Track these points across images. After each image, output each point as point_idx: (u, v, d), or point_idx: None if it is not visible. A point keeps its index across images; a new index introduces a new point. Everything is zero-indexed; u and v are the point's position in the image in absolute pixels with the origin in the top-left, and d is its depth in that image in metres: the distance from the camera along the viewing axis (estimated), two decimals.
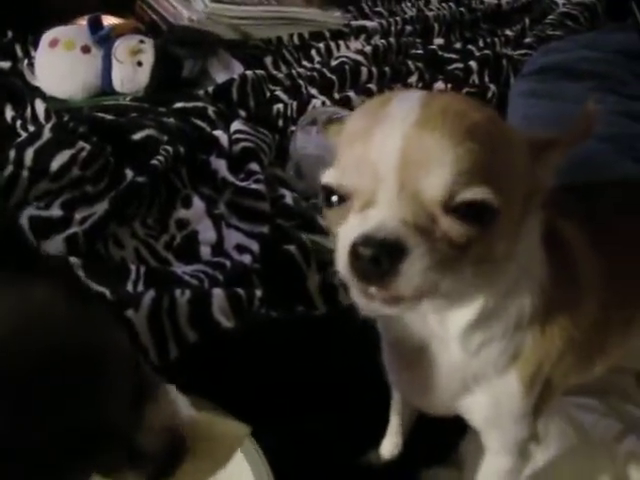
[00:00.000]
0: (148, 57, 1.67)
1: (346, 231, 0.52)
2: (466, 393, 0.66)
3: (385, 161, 0.50)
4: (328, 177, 0.55)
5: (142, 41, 1.69)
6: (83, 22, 1.72)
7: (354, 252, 0.50)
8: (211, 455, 0.63)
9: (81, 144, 1.36)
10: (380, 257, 0.49)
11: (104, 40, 1.65)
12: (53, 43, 1.65)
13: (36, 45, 1.72)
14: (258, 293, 1.07)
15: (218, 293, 1.03)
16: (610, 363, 0.81)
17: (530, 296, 0.61)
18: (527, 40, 2.01)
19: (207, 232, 1.28)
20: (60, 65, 1.64)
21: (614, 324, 0.73)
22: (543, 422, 0.72)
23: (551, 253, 0.63)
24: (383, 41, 1.92)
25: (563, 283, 0.63)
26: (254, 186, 1.29)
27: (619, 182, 0.93)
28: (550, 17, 2.15)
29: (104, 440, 0.62)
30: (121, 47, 1.66)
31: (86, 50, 1.65)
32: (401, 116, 0.51)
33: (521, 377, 0.64)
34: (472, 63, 1.82)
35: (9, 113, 1.53)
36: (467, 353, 0.63)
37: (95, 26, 1.65)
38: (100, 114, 1.52)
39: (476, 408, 0.67)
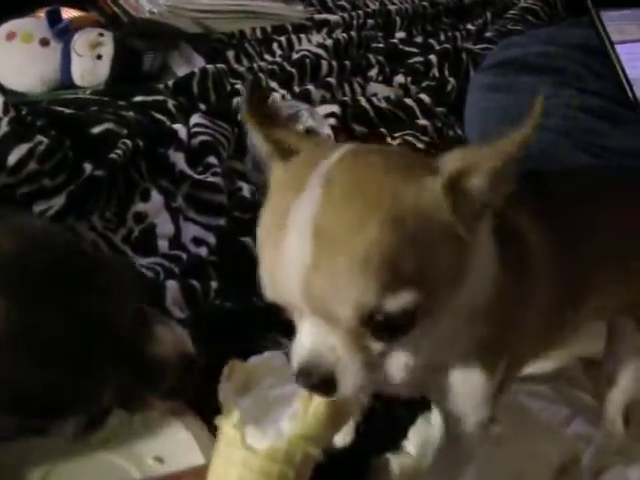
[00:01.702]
0: (108, 50, 1.66)
1: (295, 344, 0.55)
2: (433, 375, 0.67)
3: (293, 296, 0.51)
4: (262, 285, 0.55)
5: (102, 34, 1.68)
6: (41, 14, 1.71)
7: (296, 374, 0.54)
8: None
9: (39, 138, 1.34)
10: (318, 387, 0.54)
11: (63, 33, 1.64)
12: (10, 36, 1.63)
13: None
14: (214, 285, 1.08)
15: (172, 285, 1.04)
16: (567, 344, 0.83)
17: (483, 292, 0.61)
18: (488, 34, 2.03)
19: (165, 225, 1.28)
20: (18, 58, 1.63)
21: (569, 308, 0.74)
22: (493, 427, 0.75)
23: (503, 244, 0.62)
24: (344, 35, 1.93)
25: (515, 272, 0.64)
26: (211, 179, 1.30)
27: (575, 170, 0.94)
28: (511, 12, 2.17)
29: (114, 344, 0.66)
30: (80, 40, 1.65)
31: (44, 43, 1.64)
32: (295, 252, 0.50)
33: (483, 364, 0.66)
34: (432, 57, 1.83)
35: None
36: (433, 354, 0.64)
37: (54, 19, 1.64)
38: (59, 108, 1.51)
39: (442, 387, 0.68)
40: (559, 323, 0.75)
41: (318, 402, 0.56)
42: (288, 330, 0.57)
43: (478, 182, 0.53)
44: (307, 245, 0.50)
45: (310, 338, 0.54)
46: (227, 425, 0.60)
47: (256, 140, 0.60)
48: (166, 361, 0.71)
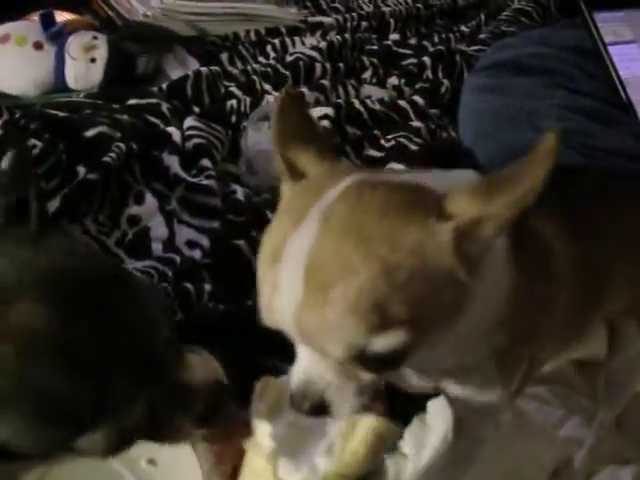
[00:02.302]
0: (102, 53, 1.66)
1: (294, 367, 0.57)
2: (451, 376, 0.68)
3: (288, 328, 0.52)
4: (261, 312, 0.55)
5: (95, 37, 1.68)
6: (35, 18, 1.71)
7: (292, 402, 0.56)
8: None
9: (33, 141, 1.35)
10: (313, 411, 0.55)
11: (57, 36, 1.64)
12: (4, 39, 1.63)
13: None
14: (207, 288, 1.08)
15: (165, 288, 1.04)
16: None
17: (498, 305, 0.60)
18: (482, 36, 2.04)
19: (159, 228, 1.28)
20: (12, 61, 1.63)
21: (585, 310, 0.74)
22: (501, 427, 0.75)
23: (522, 249, 0.60)
24: (338, 37, 1.93)
25: (536, 280, 0.62)
26: (205, 182, 1.30)
27: (586, 170, 0.94)
28: (505, 13, 2.17)
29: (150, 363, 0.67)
30: (74, 43, 1.65)
31: (38, 46, 1.64)
32: (288, 290, 0.50)
33: (501, 373, 0.65)
34: (426, 59, 1.83)
35: None
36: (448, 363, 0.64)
37: (47, 22, 1.64)
38: (53, 111, 1.51)
39: (459, 390, 0.69)
40: (578, 325, 0.75)
41: (358, 441, 0.54)
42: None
43: (489, 230, 0.52)
44: (299, 283, 0.50)
45: (303, 365, 0.55)
46: (258, 455, 0.58)
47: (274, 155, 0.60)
48: (197, 387, 0.71)
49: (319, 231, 0.50)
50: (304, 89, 1.66)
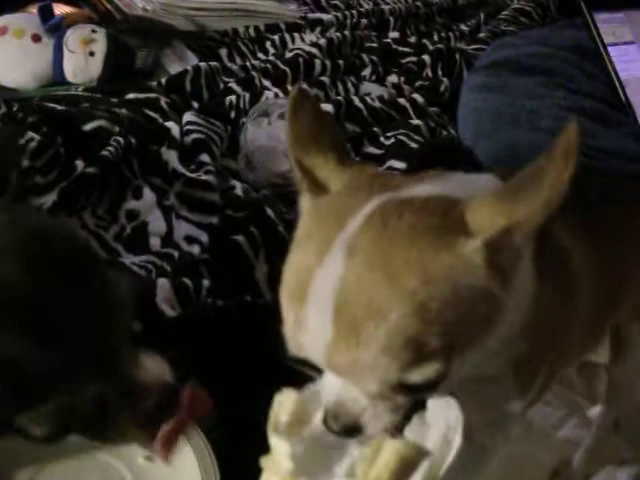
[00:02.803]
0: (100, 47, 1.65)
1: (323, 382, 0.56)
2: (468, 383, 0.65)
3: (314, 358, 0.52)
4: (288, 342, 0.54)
5: (94, 31, 1.67)
6: (33, 10, 1.70)
7: (324, 417, 0.55)
8: None
9: (30, 134, 1.34)
10: (346, 433, 0.54)
11: (55, 29, 1.63)
12: (2, 31, 1.62)
13: None
14: (206, 283, 1.07)
15: (163, 283, 1.04)
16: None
17: (521, 315, 0.58)
18: (481, 35, 2.04)
19: (157, 223, 1.28)
20: (9, 53, 1.62)
21: (603, 315, 0.73)
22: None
23: (542, 258, 0.58)
24: (338, 34, 1.93)
25: (556, 290, 0.61)
26: (204, 177, 1.30)
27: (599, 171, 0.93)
28: (504, 13, 2.17)
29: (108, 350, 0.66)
30: (73, 37, 1.64)
31: (36, 39, 1.63)
32: (316, 330, 0.49)
33: (519, 383, 0.64)
34: (425, 57, 1.83)
35: None
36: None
37: (46, 14, 1.63)
38: (51, 104, 1.50)
39: (474, 398, 0.66)
40: (595, 332, 0.74)
41: (382, 467, 0.52)
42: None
43: (518, 238, 0.50)
44: (327, 323, 0.49)
45: (335, 389, 0.54)
46: (275, 475, 0.55)
47: (291, 164, 0.58)
48: (147, 387, 0.70)
49: (345, 267, 0.48)
50: (304, 85, 1.66)
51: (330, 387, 0.55)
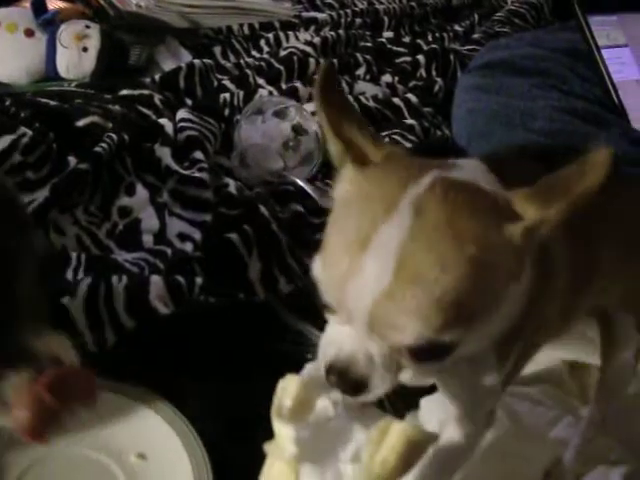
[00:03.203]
0: (94, 43, 1.64)
1: (326, 340, 0.57)
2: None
3: (357, 311, 0.53)
4: (315, 269, 0.56)
5: (88, 26, 1.66)
6: (27, 4, 1.69)
7: (327, 372, 0.55)
8: None
9: (23, 129, 1.33)
10: (347, 390, 0.55)
11: (48, 24, 1.62)
12: None
13: None
14: (199, 281, 1.07)
15: (156, 280, 1.03)
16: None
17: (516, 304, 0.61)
18: (475, 36, 2.05)
19: (150, 220, 1.27)
20: (2, 47, 1.60)
21: (581, 296, 0.74)
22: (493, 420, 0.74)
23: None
24: (332, 33, 1.93)
25: (539, 271, 0.63)
26: (198, 175, 1.29)
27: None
28: (498, 14, 2.18)
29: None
30: (66, 32, 1.63)
31: (30, 34, 1.62)
32: (375, 275, 0.51)
33: (498, 357, 0.66)
34: (420, 57, 1.84)
35: None
36: None
37: (39, 9, 1.62)
38: (43, 99, 1.49)
39: (454, 376, 0.67)
40: (570, 310, 0.75)
41: (388, 450, 0.52)
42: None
43: (546, 231, 0.55)
44: (387, 273, 0.51)
45: (350, 342, 0.55)
46: (280, 460, 0.55)
47: (327, 136, 0.59)
48: (36, 357, 0.68)
49: (412, 223, 0.52)
50: (298, 83, 1.66)
51: (343, 341, 0.55)
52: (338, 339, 0.56)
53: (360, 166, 0.58)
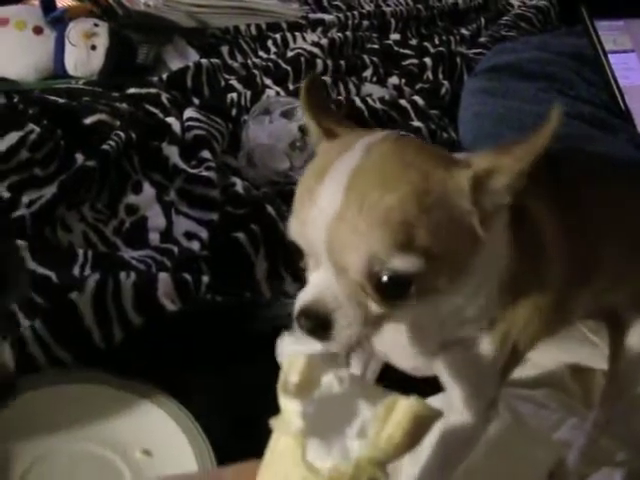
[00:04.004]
0: (102, 41, 1.65)
1: (302, 291, 0.60)
2: (445, 350, 0.69)
3: (316, 240, 0.57)
4: (289, 230, 0.60)
5: (96, 24, 1.67)
6: (35, 2, 1.69)
7: (297, 315, 0.58)
8: None
9: (31, 126, 1.33)
10: (315, 330, 0.57)
11: (57, 22, 1.63)
12: (3, 22, 1.62)
13: None
14: (205, 279, 1.07)
15: (164, 277, 1.03)
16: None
17: (496, 277, 0.65)
18: (482, 39, 2.05)
19: (157, 218, 1.27)
20: (11, 45, 1.62)
21: (579, 292, 0.75)
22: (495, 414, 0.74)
23: (515, 226, 0.65)
24: (340, 34, 1.94)
25: (529, 256, 0.66)
26: (205, 174, 1.29)
27: (586, 152, 0.97)
28: (505, 18, 2.18)
29: None
30: (75, 30, 1.64)
31: (38, 31, 1.63)
32: (328, 200, 0.55)
33: (493, 341, 0.68)
34: (427, 60, 1.84)
35: None
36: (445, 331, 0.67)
37: (48, 7, 1.63)
38: (51, 97, 1.50)
39: (452, 364, 0.69)
40: (568, 303, 0.75)
41: (395, 425, 0.52)
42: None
43: (501, 182, 0.58)
44: (338, 197, 0.55)
45: (317, 284, 0.58)
46: (286, 435, 0.53)
47: (309, 126, 0.65)
48: None
49: (362, 156, 0.56)
50: None
51: (311, 285, 0.59)
52: (312, 281, 0.59)
53: (330, 140, 0.63)
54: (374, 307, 0.58)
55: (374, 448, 0.52)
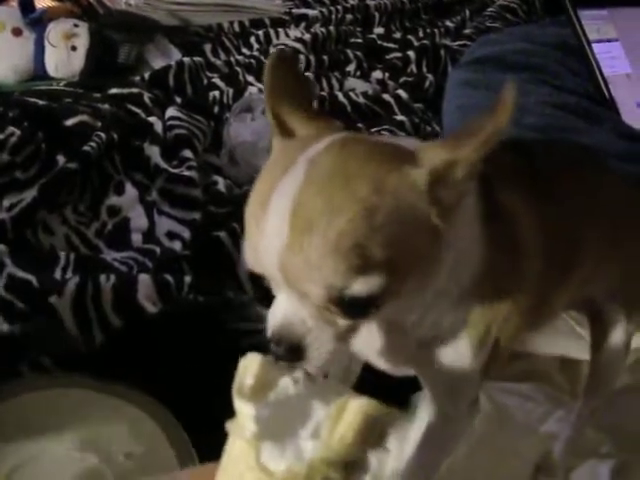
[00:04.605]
0: (83, 41, 1.64)
1: (270, 313, 0.58)
2: (423, 349, 0.68)
3: (271, 269, 0.54)
4: (245, 256, 0.58)
5: (76, 25, 1.66)
6: (14, 3, 1.68)
7: (270, 343, 0.57)
8: None
9: (11, 129, 1.33)
10: (288, 356, 0.56)
11: (36, 23, 1.62)
12: None
13: None
14: (188, 279, 1.06)
15: (144, 279, 1.02)
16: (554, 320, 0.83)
17: (470, 272, 0.63)
18: (466, 31, 2.04)
19: (139, 219, 1.26)
20: None
21: (559, 285, 0.74)
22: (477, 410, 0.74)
23: (489, 221, 0.64)
24: (323, 29, 1.93)
25: (504, 250, 0.65)
26: (187, 173, 1.29)
27: (559, 142, 0.96)
28: (489, 9, 2.18)
29: None
30: (54, 31, 1.63)
31: (17, 32, 1.62)
32: (274, 231, 0.53)
33: (471, 339, 0.67)
34: (410, 53, 1.83)
35: None
36: (422, 331, 0.66)
37: (27, 7, 1.62)
38: (32, 99, 1.49)
39: (430, 362, 0.69)
40: (548, 298, 0.75)
41: (346, 425, 0.52)
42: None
43: (458, 174, 0.55)
44: (284, 225, 0.52)
45: (283, 308, 0.56)
46: (240, 438, 0.54)
47: (267, 116, 0.63)
48: None
49: (305, 176, 0.53)
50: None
51: (278, 309, 0.57)
52: (278, 306, 0.57)
53: (283, 138, 0.61)
54: (342, 323, 0.56)
55: (327, 448, 0.52)
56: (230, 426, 0.54)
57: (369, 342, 0.69)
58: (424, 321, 0.65)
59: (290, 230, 0.52)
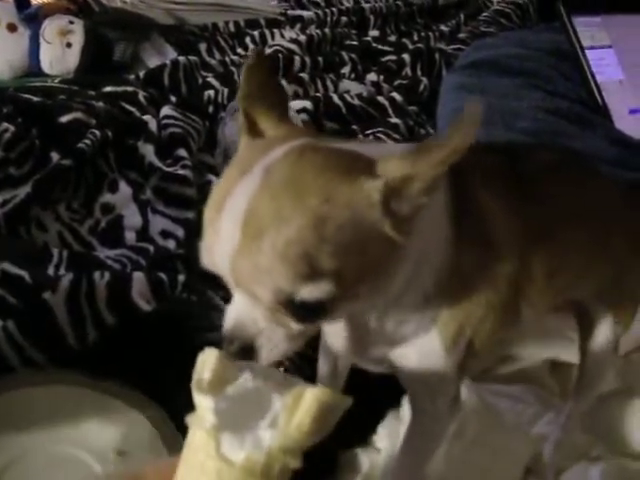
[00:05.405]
0: (78, 38, 1.64)
1: (227, 313, 0.59)
2: (396, 347, 0.69)
3: (223, 271, 0.56)
4: (201, 255, 0.59)
5: (72, 22, 1.66)
6: None
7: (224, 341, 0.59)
8: None
9: (5, 125, 1.32)
10: (241, 354, 0.58)
11: (31, 19, 1.62)
12: None
13: None
14: (181, 278, 1.07)
15: (139, 277, 1.02)
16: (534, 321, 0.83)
17: (434, 273, 0.64)
18: (461, 35, 2.05)
19: (132, 217, 1.26)
20: None
21: (540, 285, 0.74)
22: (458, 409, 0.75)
23: (462, 221, 0.64)
24: (318, 31, 1.93)
25: (474, 251, 0.66)
26: (181, 172, 1.29)
27: (546, 146, 0.96)
28: (484, 14, 2.19)
29: None
30: (50, 27, 1.63)
31: (12, 28, 1.61)
32: (227, 235, 0.54)
33: (442, 338, 0.68)
34: (405, 56, 1.84)
35: None
36: (389, 328, 0.67)
37: (22, 3, 1.62)
38: (26, 95, 1.48)
39: (405, 361, 0.70)
40: (527, 301, 0.74)
41: (303, 414, 0.53)
42: None
43: (415, 189, 0.55)
44: (236, 230, 0.53)
45: (236, 309, 0.58)
46: (200, 430, 0.55)
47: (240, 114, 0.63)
48: None
49: (260, 183, 0.54)
50: (283, 81, 1.65)
51: (232, 309, 0.58)
52: (232, 306, 0.59)
53: (250, 137, 0.62)
54: (293, 325, 0.58)
55: (284, 437, 0.53)
56: (190, 419, 0.55)
57: (338, 336, 0.70)
58: (387, 319, 0.66)
59: (241, 235, 0.53)
